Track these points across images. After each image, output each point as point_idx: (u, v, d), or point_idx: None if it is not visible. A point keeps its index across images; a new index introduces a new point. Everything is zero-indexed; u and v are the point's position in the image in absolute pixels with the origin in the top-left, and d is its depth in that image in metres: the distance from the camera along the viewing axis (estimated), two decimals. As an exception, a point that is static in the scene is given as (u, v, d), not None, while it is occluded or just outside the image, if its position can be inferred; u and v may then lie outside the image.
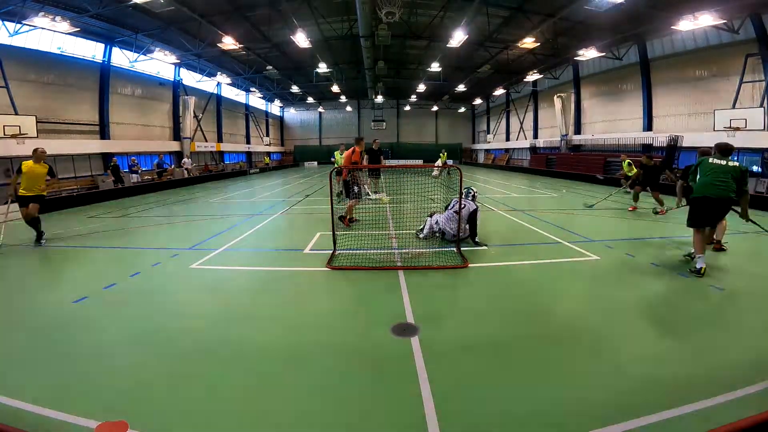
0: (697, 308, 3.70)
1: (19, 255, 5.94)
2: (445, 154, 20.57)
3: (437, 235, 6.25)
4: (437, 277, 4.53)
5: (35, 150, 6.48)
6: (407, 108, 39.46)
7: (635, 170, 10.75)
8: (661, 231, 7.20)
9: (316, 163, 38.96)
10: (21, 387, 2.41)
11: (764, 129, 11.95)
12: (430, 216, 6.40)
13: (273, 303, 3.92)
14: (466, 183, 6.20)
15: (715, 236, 5.29)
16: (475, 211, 5.96)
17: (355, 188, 7.35)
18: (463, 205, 5.57)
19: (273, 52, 21.04)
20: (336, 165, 10.28)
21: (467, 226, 5.92)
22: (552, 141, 25.73)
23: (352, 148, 7.47)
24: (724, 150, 4.66)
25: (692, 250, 4.82)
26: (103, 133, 17.22)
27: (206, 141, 26.25)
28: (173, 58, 17.95)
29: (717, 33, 14.04)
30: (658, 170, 8.91)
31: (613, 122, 20.62)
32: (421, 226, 6.48)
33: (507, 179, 20.32)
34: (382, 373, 2.59)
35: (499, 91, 28.82)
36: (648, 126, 17.89)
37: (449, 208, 6.13)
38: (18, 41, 13.34)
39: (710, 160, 4.58)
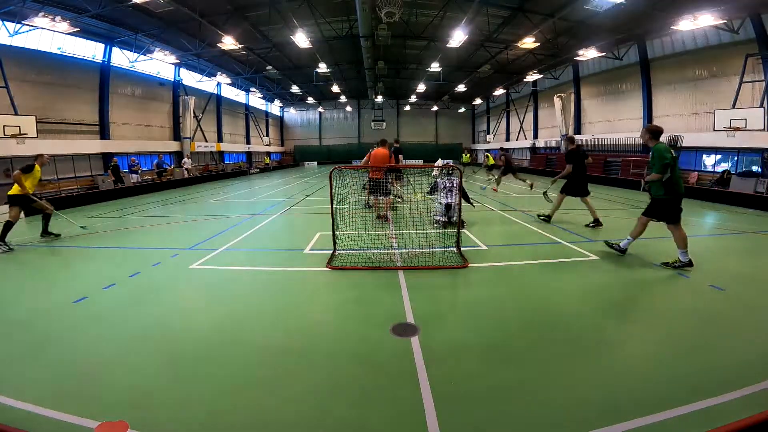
0: (698, 308, 3.70)
1: (19, 255, 5.94)
2: (468, 155, 22.73)
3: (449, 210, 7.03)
4: (437, 277, 4.53)
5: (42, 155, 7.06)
6: (407, 108, 39.45)
7: (492, 161, 18.53)
8: (660, 232, 7.16)
9: (315, 163, 38.99)
10: (21, 387, 2.41)
11: (764, 129, 11.93)
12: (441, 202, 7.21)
13: (273, 303, 3.91)
14: (466, 182, 6.32)
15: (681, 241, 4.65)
16: (460, 182, 7.35)
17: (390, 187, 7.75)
18: (452, 184, 6.88)
19: (273, 52, 21.02)
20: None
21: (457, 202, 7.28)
22: (552, 141, 25.71)
23: (389, 151, 7.50)
24: (659, 133, 4.56)
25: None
26: (103, 133, 17.23)
27: (206, 141, 26.26)
28: (173, 58, 17.96)
29: (717, 33, 14.04)
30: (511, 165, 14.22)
31: (613, 122, 20.60)
32: (438, 217, 7.19)
33: (506, 179, 20.25)
34: (382, 373, 2.59)
35: (499, 91, 28.79)
36: (648, 126, 17.87)
37: (440, 188, 7.16)
38: (18, 41, 13.35)
39: (673, 153, 4.46)
